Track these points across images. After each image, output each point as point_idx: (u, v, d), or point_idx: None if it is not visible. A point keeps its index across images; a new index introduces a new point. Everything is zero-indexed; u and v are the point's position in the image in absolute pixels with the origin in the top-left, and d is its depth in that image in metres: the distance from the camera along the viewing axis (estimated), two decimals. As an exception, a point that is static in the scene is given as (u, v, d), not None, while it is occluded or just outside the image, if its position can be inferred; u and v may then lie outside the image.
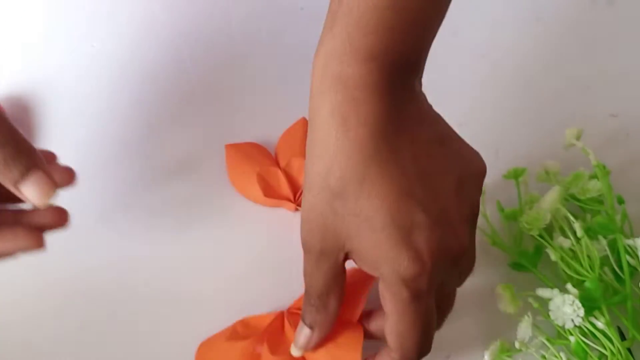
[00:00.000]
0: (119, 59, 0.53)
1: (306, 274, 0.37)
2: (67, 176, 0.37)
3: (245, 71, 0.53)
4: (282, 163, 0.48)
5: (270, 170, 0.47)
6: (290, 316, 0.42)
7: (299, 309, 0.42)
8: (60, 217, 0.36)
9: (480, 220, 0.45)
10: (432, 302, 0.35)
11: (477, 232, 0.46)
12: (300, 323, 0.39)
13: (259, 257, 0.46)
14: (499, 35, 0.55)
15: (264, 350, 0.41)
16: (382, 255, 0.33)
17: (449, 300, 0.38)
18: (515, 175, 0.46)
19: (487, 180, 0.47)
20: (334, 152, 0.33)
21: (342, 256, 0.35)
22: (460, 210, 0.35)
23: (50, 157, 0.38)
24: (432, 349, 0.43)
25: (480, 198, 0.37)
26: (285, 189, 0.47)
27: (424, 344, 0.36)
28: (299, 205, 0.46)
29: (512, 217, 0.46)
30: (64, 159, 0.49)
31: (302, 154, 0.46)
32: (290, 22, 0.56)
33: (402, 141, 0.33)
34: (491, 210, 0.46)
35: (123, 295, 0.44)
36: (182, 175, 0.49)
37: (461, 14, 0.56)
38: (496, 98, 0.53)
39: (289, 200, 0.46)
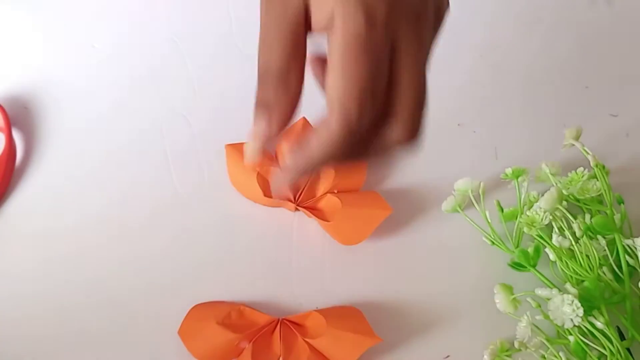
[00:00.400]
0: (119, 59, 0.53)
1: (263, 44, 0.31)
2: None
3: (246, 71, 0.53)
4: (283, 163, 0.48)
5: (270, 170, 0.47)
6: (283, 326, 0.42)
7: (294, 322, 0.42)
8: None
9: (479, 220, 0.46)
10: (386, 44, 0.29)
11: (477, 232, 0.46)
12: (254, 112, 0.31)
13: (258, 257, 0.46)
14: (498, 36, 0.55)
15: (246, 351, 0.41)
16: None
17: (413, 71, 0.31)
18: (515, 175, 0.46)
19: (487, 180, 0.48)
20: None
21: (302, 9, 0.30)
22: None
23: None
24: (432, 349, 0.43)
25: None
26: (285, 189, 0.47)
27: (367, 97, 0.29)
28: (299, 205, 0.46)
29: (512, 217, 0.46)
30: (64, 159, 0.49)
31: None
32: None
33: None
34: (491, 210, 0.46)
35: (121, 291, 0.44)
36: (182, 175, 0.49)
37: (460, 13, 0.56)
38: (496, 98, 0.53)
39: (289, 200, 0.46)
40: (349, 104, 0.28)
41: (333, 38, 0.29)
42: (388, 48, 0.29)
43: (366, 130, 0.30)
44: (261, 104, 0.31)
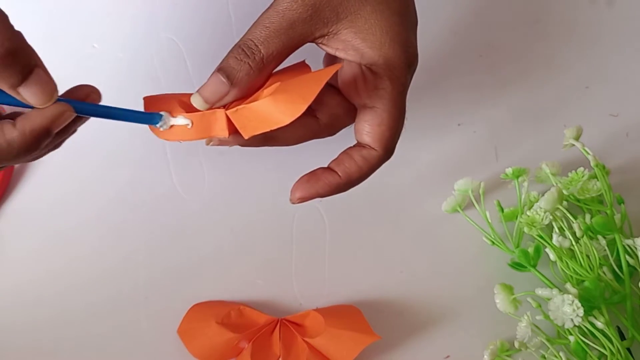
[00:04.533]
0: (119, 59, 0.53)
1: (264, 29, 0.35)
2: (93, 94, 0.35)
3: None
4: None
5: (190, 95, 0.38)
6: (282, 326, 0.42)
7: (293, 322, 0.43)
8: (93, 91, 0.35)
9: (480, 220, 0.46)
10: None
11: (477, 232, 0.46)
12: (217, 74, 0.35)
13: (259, 257, 0.46)
14: (498, 36, 0.55)
15: (245, 350, 0.41)
16: (394, 38, 0.36)
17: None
18: (515, 175, 0.46)
19: (487, 180, 0.48)
20: None
21: (318, 34, 0.36)
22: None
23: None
24: (432, 349, 0.43)
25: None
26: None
27: (399, 136, 0.38)
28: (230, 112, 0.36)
29: (512, 217, 0.46)
30: (63, 159, 0.49)
31: None
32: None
33: None
34: (491, 210, 0.46)
35: (121, 290, 0.45)
36: (182, 175, 0.49)
37: (460, 13, 0.56)
38: (496, 98, 0.53)
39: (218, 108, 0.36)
40: (392, 144, 0.37)
41: (378, 86, 0.35)
42: None
43: None
44: (229, 73, 0.35)
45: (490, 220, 0.45)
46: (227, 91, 0.35)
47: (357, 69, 0.36)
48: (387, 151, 0.37)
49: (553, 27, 0.56)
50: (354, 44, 0.36)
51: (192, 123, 0.36)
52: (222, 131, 0.36)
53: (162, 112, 0.35)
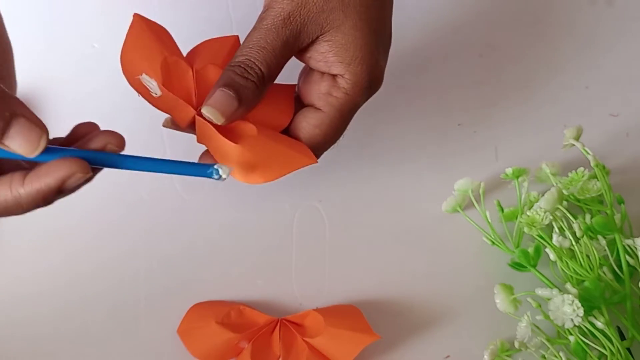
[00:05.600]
0: (119, 59, 0.53)
1: (263, 50, 0.35)
2: (116, 140, 0.33)
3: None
4: (197, 65, 0.39)
5: (179, 62, 0.38)
6: (282, 326, 0.42)
7: (293, 322, 0.43)
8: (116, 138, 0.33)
9: (480, 220, 0.46)
10: None
11: (477, 232, 0.46)
12: (224, 89, 0.35)
13: (259, 257, 0.46)
14: (498, 36, 0.55)
15: (245, 350, 0.41)
16: (364, 57, 0.36)
17: None
18: (515, 175, 0.46)
19: (487, 180, 0.48)
20: None
21: (305, 43, 0.36)
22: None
23: (92, 127, 0.34)
24: (432, 349, 0.43)
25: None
26: (190, 88, 0.38)
27: (325, 150, 0.39)
28: (199, 114, 0.37)
29: (512, 217, 0.46)
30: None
31: (223, 65, 0.38)
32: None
33: None
34: (491, 210, 0.46)
35: (121, 290, 0.45)
36: (183, 176, 0.49)
37: (460, 13, 0.56)
38: (496, 98, 0.53)
39: (190, 104, 0.37)
40: (319, 151, 0.38)
41: (332, 94, 0.37)
42: None
43: None
44: (237, 89, 0.35)
45: (490, 220, 0.45)
46: (238, 106, 0.35)
47: (319, 75, 0.38)
48: (315, 152, 0.38)
49: (553, 27, 0.56)
50: (326, 57, 0.37)
51: (160, 95, 0.37)
52: (181, 122, 0.37)
53: (217, 166, 0.36)
